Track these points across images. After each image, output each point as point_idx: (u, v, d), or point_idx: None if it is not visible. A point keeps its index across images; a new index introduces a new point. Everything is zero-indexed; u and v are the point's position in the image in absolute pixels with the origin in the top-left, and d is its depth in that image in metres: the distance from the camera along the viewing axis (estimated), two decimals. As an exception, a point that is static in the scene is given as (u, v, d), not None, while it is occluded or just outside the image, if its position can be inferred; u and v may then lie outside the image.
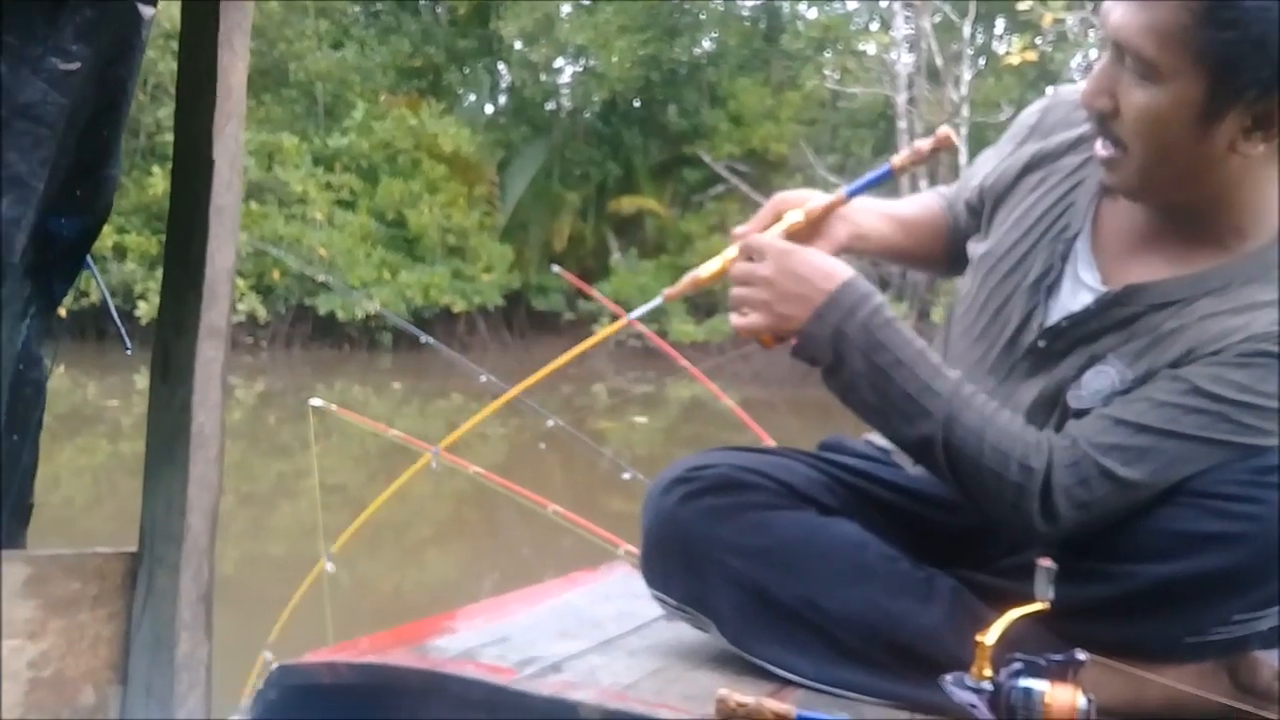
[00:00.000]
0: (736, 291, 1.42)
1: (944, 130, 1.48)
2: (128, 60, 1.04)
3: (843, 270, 1.40)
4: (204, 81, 1.02)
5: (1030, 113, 1.63)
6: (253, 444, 9.32)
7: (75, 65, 0.95)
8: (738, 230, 1.50)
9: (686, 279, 1.54)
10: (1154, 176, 1.35)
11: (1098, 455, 1.31)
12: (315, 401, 2.84)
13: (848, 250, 1.55)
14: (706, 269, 1.51)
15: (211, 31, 1.01)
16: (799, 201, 1.51)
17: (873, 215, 1.59)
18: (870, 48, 19.26)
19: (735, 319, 1.43)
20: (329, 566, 2.72)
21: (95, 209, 1.06)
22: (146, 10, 1.09)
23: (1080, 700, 1.19)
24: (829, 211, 1.50)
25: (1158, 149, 1.32)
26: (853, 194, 1.53)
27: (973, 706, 1.21)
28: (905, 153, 1.50)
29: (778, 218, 1.49)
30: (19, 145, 0.93)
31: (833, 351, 1.37)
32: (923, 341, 1.39)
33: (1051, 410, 1.42)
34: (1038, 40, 17.65)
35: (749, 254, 1.43)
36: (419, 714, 1.35)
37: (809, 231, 1.50)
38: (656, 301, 1.65)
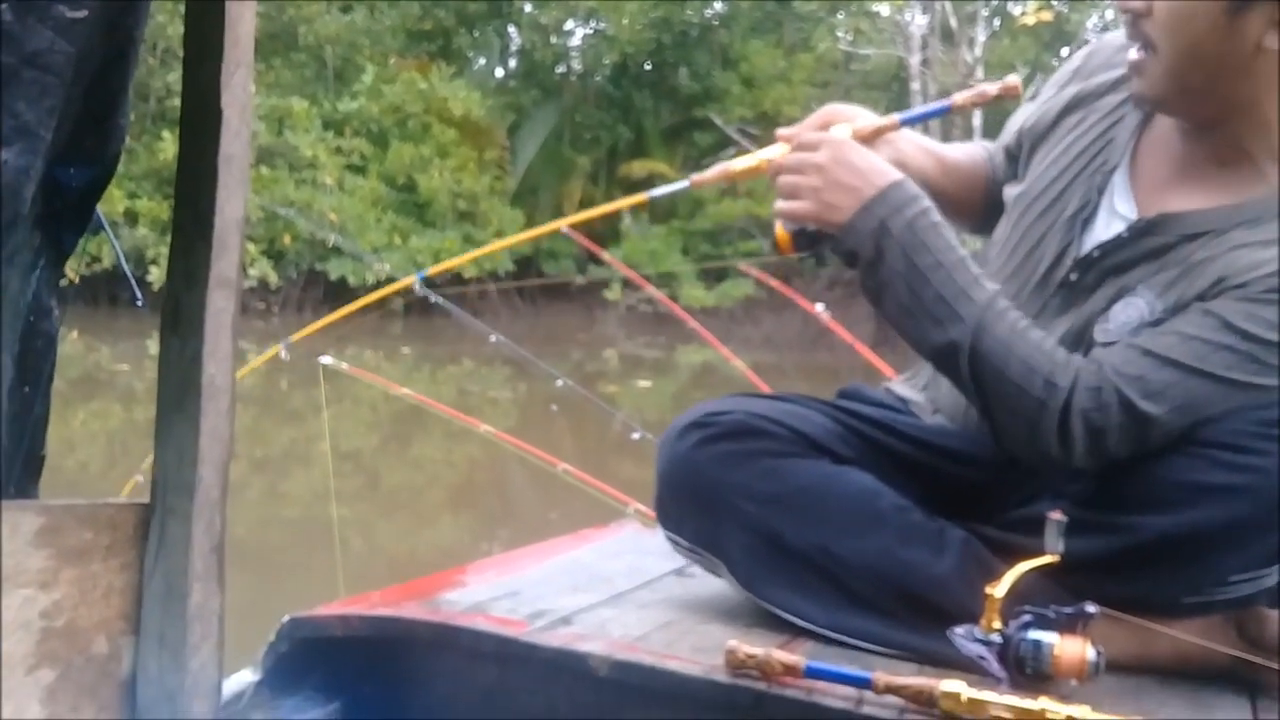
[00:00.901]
0: (786, 178, 1.42)
1: (1013, 79, 1.48)
2: (135, 10, 1.03)
3: (895, 171, 1.40)
4: (212, 31, 1.01)
5: (1075, 57, 1.64)
6: (265, 409, 9.34)
7: (83, 13, 0.94)
8: (782, 131, 1.49)
9: (717, 169, 1.53)
10: (1182, 78, 1.35)
11: (1120, 383, 1.30)
12: (325, 359, 2.83)
13: None
14: (740, 162, 1.51)
15: (218, -20, 1.01)
16: (848, 116, 1.50)
17: (916, 147, 1.58)
18: (883, 8, 19.16)
19: (779, 205, 1.43)
20: (283, 353, 2.71)
21: (104, 159, 1.06)
22: (154, -41, 1.08)
23: (1089, 652, 1.20)
24: (878, 134, 1.49)
25: (1186, 44, 1.33)
26: (906, 122, 1.51)
27: (981, 659, 1.22)
28: (969, 93, 1.49)
29: (825, 126, 1.48)
30: (26, 94, 0.92)
31: (874, 246, 1.36)
32: (965, 251, 1.39)
33: (1079, 345, 1.40)
34: (1053, 0, 17.49)
35: (802, 148, 1.42)
36: (430, 666, 1.36)
37: None
38: (683, 184, 1.63)
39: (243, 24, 1.03)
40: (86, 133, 1.04)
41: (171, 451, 1.06)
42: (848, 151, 1.41)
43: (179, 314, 1.05)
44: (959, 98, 1.50)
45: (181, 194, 1.05)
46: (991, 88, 1.48)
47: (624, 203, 2.11)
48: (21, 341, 1.03)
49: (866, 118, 1.50)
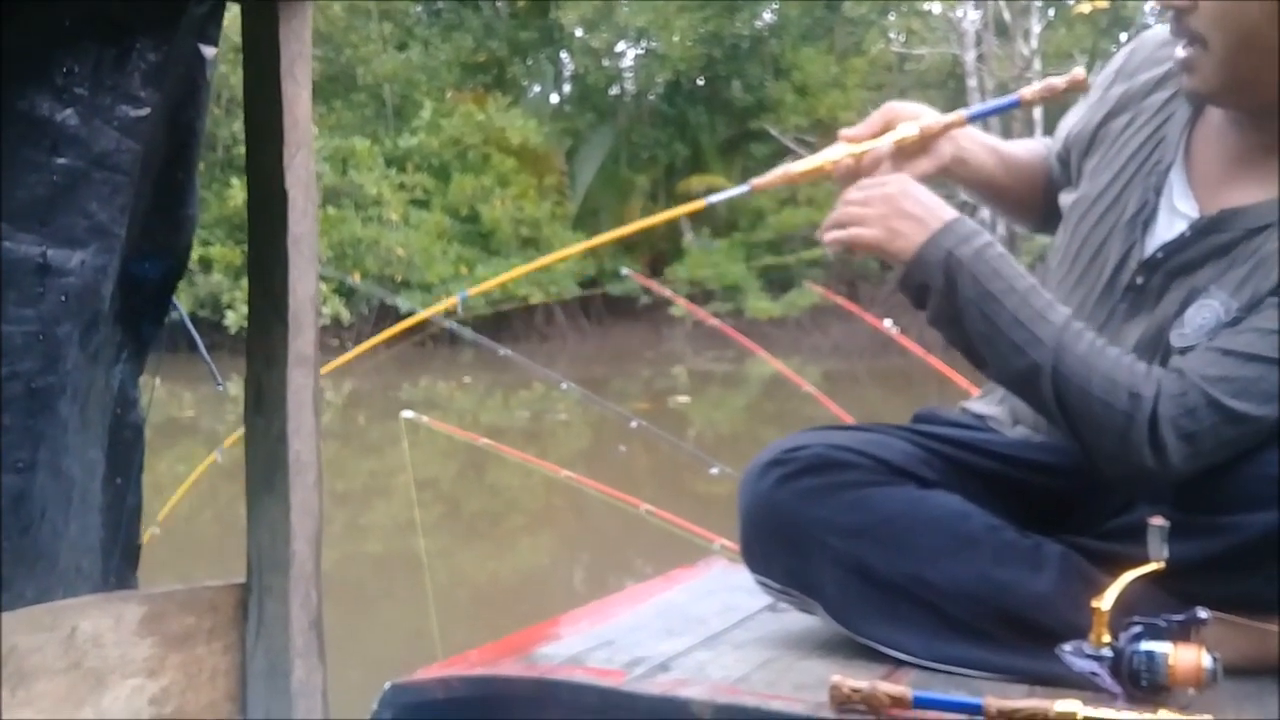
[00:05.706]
0: (849, 210, 1.42)
1: (1079, 71, 1.46)
2: (194, 101, 1.05)
3: (954, 210, 1.40)
4: (270, 116, 1.03)
5: (1116, 58, 1.61)
6: (345, 444, 9.46)
7: (145, 111, 0.96)
8: (846, 131, 1.48)
9: (778, 172, 1.52)
10: (1235, 69, 1.33)
11: (1206, 386, 1.28)
12: (407, 413, 2.89)
13: (948, 173, 1.55)
14: (800, 165, 1.50)
15: (274, 66, 1.02)
16: (912, 114, 1.49)
17: (979, 144, 1.58)
18: (935, 6, 18.99)
19: (836, 234, 1.42)
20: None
21: (176, 250, 1.08)
22: (208, 51, 1.10)
23: (1205, 659, 1.17)
24: (946, 130, 1.48)
25: (1237, 35, 1.31)
26: (973, 119, 1.50)
27: (1094, 674, 1.19)
28: (1037, 86, 1.48)
29: (888, 126, 1.47)
30: (98, 195, 0.94)
31: (944, 276, 1.36)
32: (1034, 279, 1.38)
33: (1155, 351, 1.38)
34: (1107, -15, 17.21)
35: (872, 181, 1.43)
36: (533, 722, 1.36)
37: (917, 147, 1.47)
38: (744, 188, 1.61)
39: (299, 106, 1.04)
40: (157, 226, 1.06)
41: (264, 529, 1.07)
42: (913, 186, 1.41)
43: (261, 394, 1.07)
44: (1027, 92, 1.49)
45: (255, 276, 1.07)
46: (1059, 81, 1.47)
47: (683, 209, 2.11)
48: (110, 434, 1.05)
49: (931, 115, 1.49)
